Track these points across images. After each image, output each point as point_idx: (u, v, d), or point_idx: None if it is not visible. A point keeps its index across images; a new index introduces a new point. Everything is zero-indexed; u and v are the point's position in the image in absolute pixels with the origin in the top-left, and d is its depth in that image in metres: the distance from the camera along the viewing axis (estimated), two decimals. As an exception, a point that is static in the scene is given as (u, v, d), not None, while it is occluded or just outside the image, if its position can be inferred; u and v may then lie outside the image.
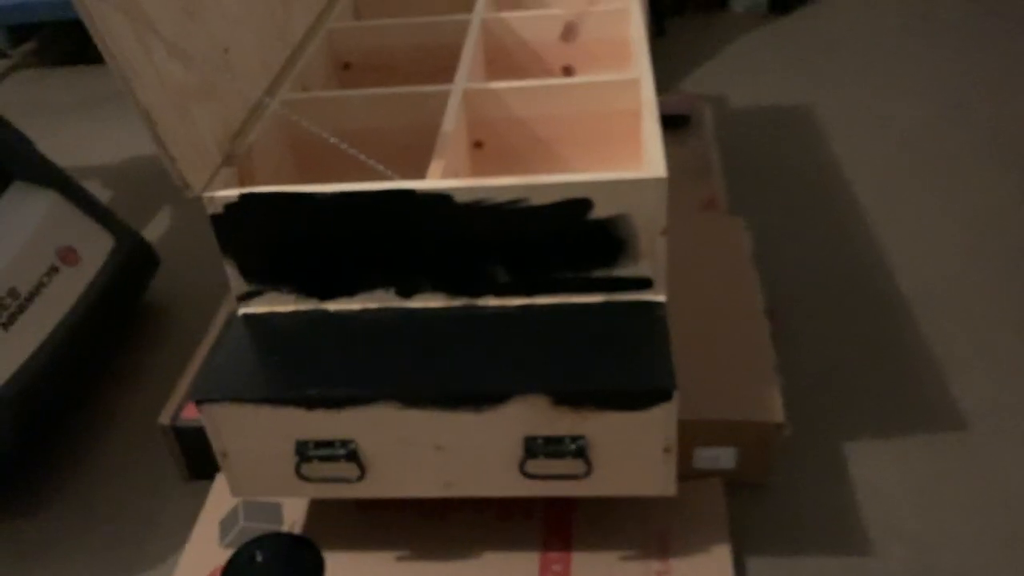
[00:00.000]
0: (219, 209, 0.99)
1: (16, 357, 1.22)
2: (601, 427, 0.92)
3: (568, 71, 1.45)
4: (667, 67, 2.34)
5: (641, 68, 1.18)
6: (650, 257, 0.98)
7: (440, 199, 0.95)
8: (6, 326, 1.23)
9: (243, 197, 0.98)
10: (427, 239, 0.99)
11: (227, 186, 1.00)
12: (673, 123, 1.74)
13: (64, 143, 2.36)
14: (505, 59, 1.43)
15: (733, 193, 1.62)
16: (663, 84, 2.25)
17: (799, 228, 1.67)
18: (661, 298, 1.01)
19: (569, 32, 1.41)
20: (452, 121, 1.10)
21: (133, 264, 1.54)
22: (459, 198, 0.95)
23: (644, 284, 1.00)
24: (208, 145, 1.02)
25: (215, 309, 1.49)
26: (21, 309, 1.26)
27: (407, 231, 0.98)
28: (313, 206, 0.97)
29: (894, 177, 1.81)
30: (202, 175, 0.99)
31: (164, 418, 1.22)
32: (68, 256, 1.38)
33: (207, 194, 0.98)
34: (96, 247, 1.46)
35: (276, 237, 1.01)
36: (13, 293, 1.26)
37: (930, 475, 1.19)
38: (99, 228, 1.48)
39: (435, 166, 1.01)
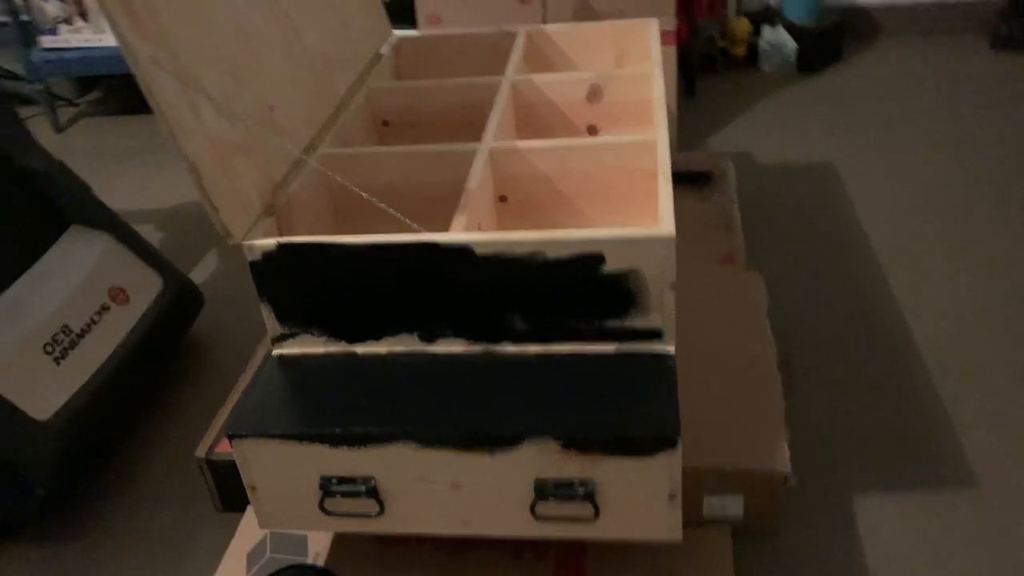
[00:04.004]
0: (258, 256, 1.06)
1: (66, 390, 1.30)
2: (609, 472, 0.97)
3: (593, 130, 1.52)
4: (696, 125, 2.40)
5: (659, 130, 1.24)
6: (660, 310, 1.03)
7: (462, 251, 1.02)
8: (58, 360, 1.31)
9: (280, 246, 1.05)
10: (449, 288, 1.05)
11: (266, 235, 1.07)
12: (696, 179, 1.80)
13: (123, 186, 2.50)
14: (533, 118, 1.51)
15: (752, 248, 1.67)
16: (691, 142, 2.32)
17: (816, 283, 1.71)
18: (670, 349, 1.05)
19: (594, 94, 1.48)
20: (477, 178, 1.17)
21: (179, 304, 1.62)
22: (479, 250, 1.02)
23: (654, 335, 1.05)
24: (250, 196, 1.10)
25: (253, 347, 1.57)
26: (73, 345, 1.35)
27: (431, 280, 1.05)
28: (344, 255, 1.05)
29: (911, 234, 1.84)
30: (243, 224, 1.07)
31: (200, 451, 1.29)
32: (119, 296, 1.47)
33: (247, 242, 1.06)
34: (145, 287, 1.55)
35: (310, 283, 1.08)
36: (66, 330, 1.35)
37: (938, 530, 1.20)
38: (148, 269, 1.57)
39: (458, 220, 1.07)
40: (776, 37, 2.64)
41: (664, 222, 1.02)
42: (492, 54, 1.71)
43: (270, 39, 1.24)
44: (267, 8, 1.25)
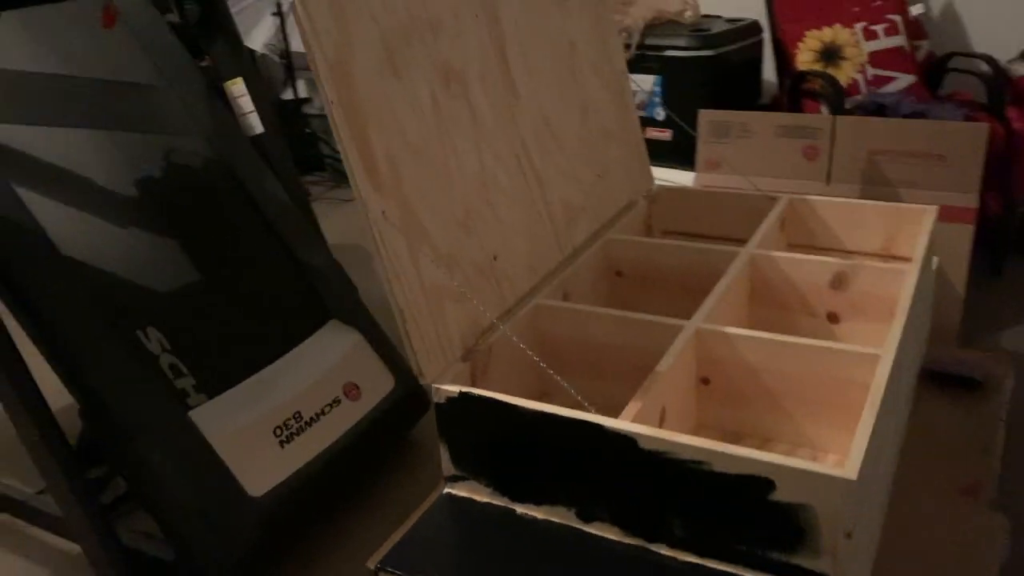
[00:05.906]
0: (442, 400, 1.12)
1: (282, 472, 1.44)
2: None
3: (833, 318, 1.41)
4: (991, 314, 2.12)
5: (889, 343, 1.12)
6: (831, 555, 0.92)
7: (626, 440, 0.99)
8: (283, 443, 1.47)
9: (461, 394, 1.10)
10: (610, 473, 1.03)
11: (455, 381, 1.13)
12: (962, 384, 1.58)
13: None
14: (771, 294, 1.44)
15: (1010, 481, 1.42)
16: (981, 332, 2.05)
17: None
18: (840, 601, 0.93)
19: (839, 281, 1.38)
20: (670, 360, 1.14)
21: (405, 405, 1.74)
22: (643, 444, 0.98)
23: (822, 580, 0.94)
24: (453, 340, 1.16)
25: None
26: (299, 431, 1.50)
27: (593, 460, 1.03)
28: (516, 417, 1.07)
29: None
30: (437, 367, 1.13)
31: (371, 563, 1.36)
32: (351, 391, 1.62)
33: (435, 385, 1.12)
34: (378, 386, 1.68)
35: (483, 435, 1.11)
36: (297, 416, 1.50)
37: None
38: (385, 370, 1.71)
39: (632, 406, 1.05)
40: (1119, 224, 2.28)
41: (851, 461, 0.91)
42: (749, 215, 1.66)
43: (511, 193, 1.32)
44: (514, 166, 1.33)
